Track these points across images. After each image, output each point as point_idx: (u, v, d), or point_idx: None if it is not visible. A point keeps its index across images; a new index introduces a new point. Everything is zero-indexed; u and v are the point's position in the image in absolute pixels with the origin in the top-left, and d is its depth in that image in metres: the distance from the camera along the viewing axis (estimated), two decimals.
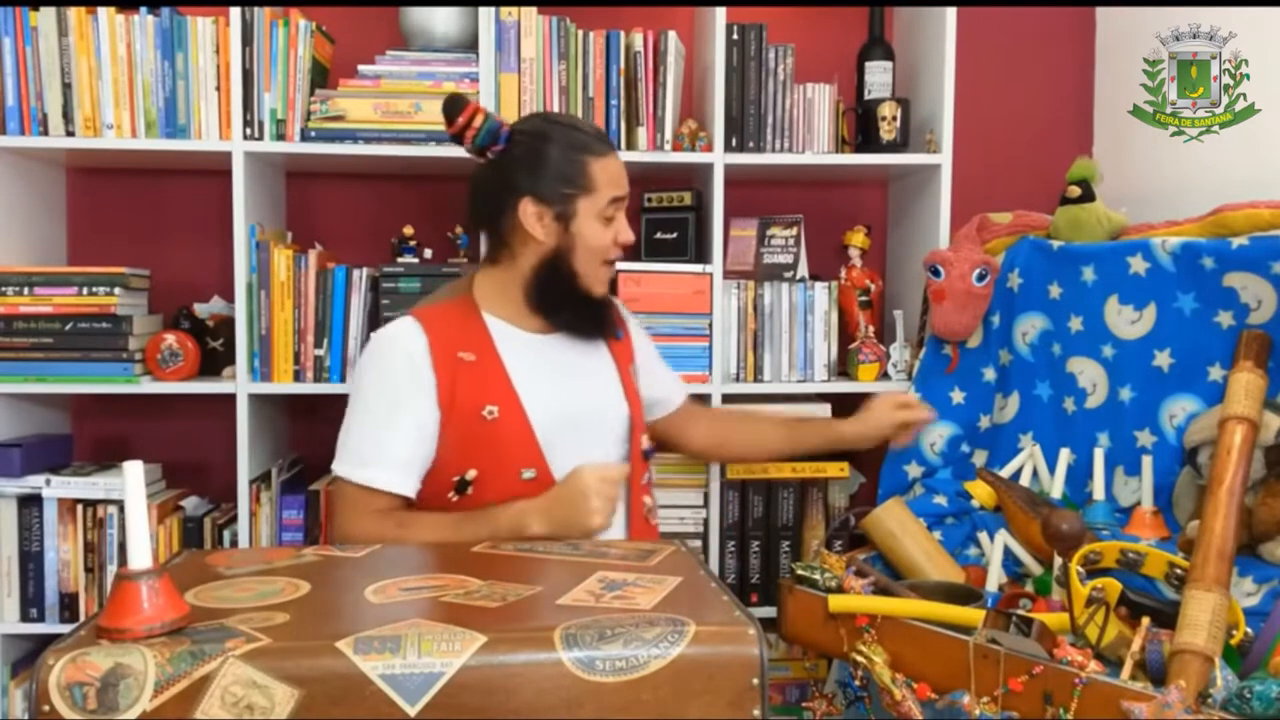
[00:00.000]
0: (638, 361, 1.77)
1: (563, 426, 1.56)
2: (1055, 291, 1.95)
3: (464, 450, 1.52)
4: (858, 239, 2.28)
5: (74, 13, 2.00)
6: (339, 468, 1.53)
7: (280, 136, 2.05)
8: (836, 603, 1.46)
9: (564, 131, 1.58)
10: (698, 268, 2.12)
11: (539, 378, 1.58)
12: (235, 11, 2.01)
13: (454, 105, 1.56)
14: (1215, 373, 1.75)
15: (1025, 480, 1.96)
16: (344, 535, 1.50)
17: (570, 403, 1.59)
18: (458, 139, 1.57)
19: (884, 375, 2.18)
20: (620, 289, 2.08)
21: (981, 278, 1.96)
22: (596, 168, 1.56)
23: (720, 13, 2.09)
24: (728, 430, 1.95)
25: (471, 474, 1.53)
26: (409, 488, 1.52)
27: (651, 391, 1.81)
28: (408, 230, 2.20)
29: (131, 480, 0.97)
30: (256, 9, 2.02)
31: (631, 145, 2.12)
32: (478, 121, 1.55)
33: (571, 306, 1.60)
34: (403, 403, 1.51)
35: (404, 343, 1.53)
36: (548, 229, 1.56)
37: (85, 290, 2.03)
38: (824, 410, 2.19)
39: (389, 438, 1.50)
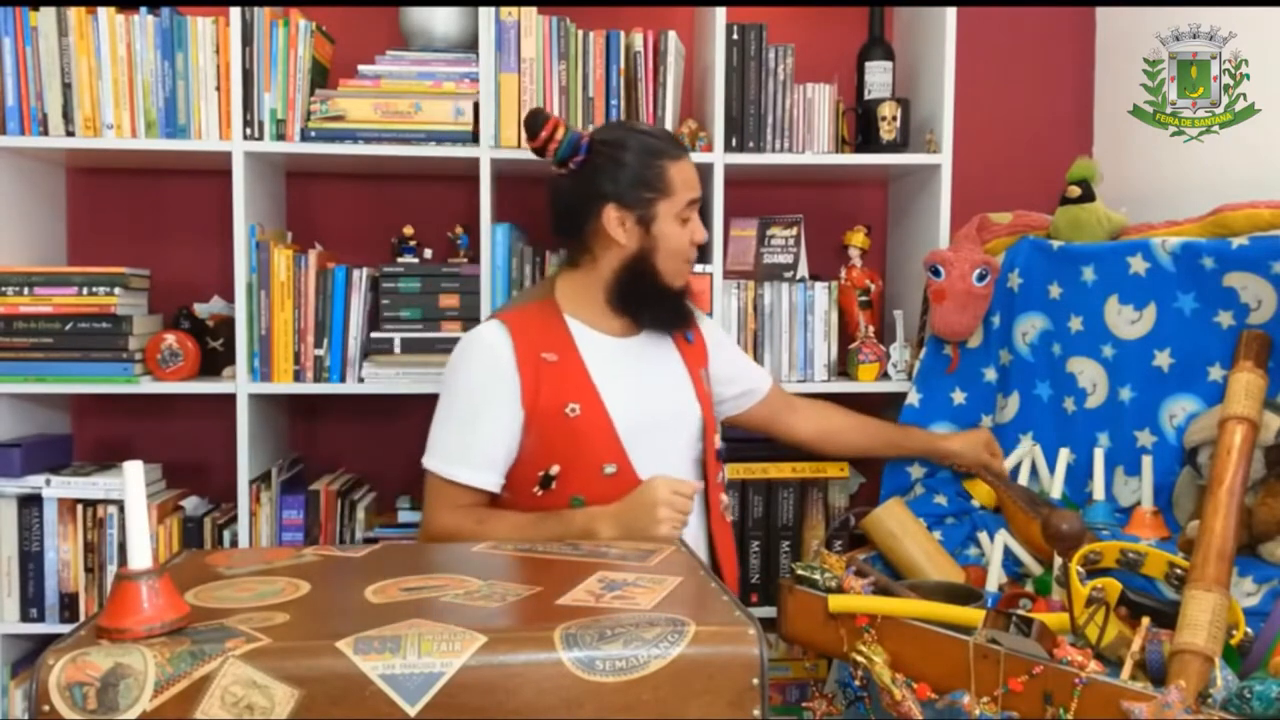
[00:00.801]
0: (719, 358, 1.82)
1: (642, 424, 1.62)
2: (1055, 291, 1.95)
3: (547, 447, 1.58)
4: (858, 239, 2.28)
5: (74, 13, 2.00)
6: (428, 462, 1.60)
7: (280, 136, 2.05)
8: (836, 603, 1.46)
9: (640, 138, 1.64)
10: (698, 268, 2.12)
11: (618, 377, 1.63)
12: (235, 11, 2.01)
13: (536, 120, 1.63)
14: (1215, 373, 1.75)
15: (1025, 480, 1.96)
16: (428, 525, 1.59)
17: (649, 402, 1.64)
18: (540, 152, 1.64)
19: (884, 375, 2.18)
20: None
21: (981, 278, 1.96)
22: (673, 171, 1.62)
23: (720, 13, 2.09)
24: (836, 424, 1.98)
25: (555, 469, 1.59)
26: (493, 483, 1.59)
27: (737, 384, 1.88)
28: (408, 230, 2.20)
29: (131, 480, 0.97)
30: (256, 9, 2.02)
31: None
32: (559, 135, 1.62)
33: (654, 303, 1.66)
34: (488, 404, 1.57)
35: (489, 345, 1.59)
36: (630, 233, 1.62)
37: (85, 290, 2.03)
38: None
39: (474, 437, 1.58)
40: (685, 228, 1.64)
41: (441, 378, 1.66)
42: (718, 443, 1.75)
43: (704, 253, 2.16)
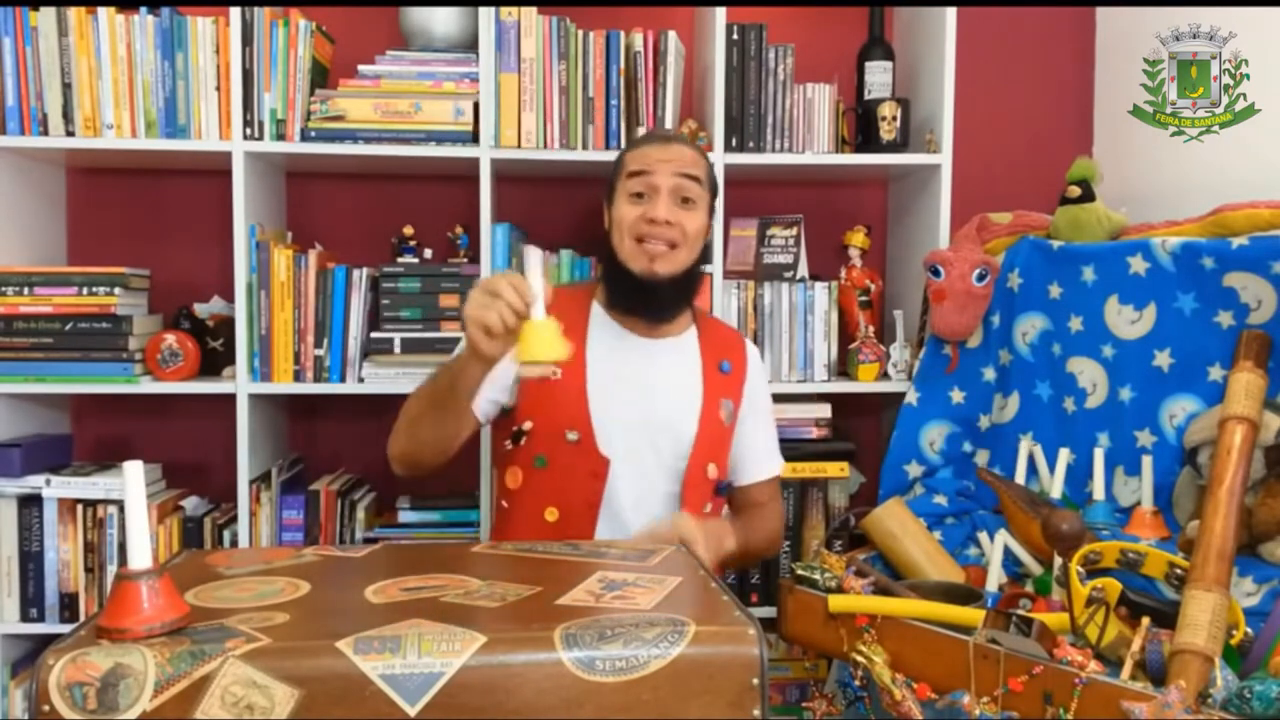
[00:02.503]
0: (747, 415, 1.76)
1: (617, 410, 1.63)
2: (1055, 291, 1.95)
3: (528, 402, 1.64)
4: (858, 239, 2.28)
5: (74, 13, 2.00)
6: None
7: (280, 136, 2.05)
8: (836, 603, 1.46)
9: (636, 138, 1.77)
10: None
11: (615, 362, 1.66)
12: (235, 11, 2.01)
13: None
14: (1215, 373, 1.75)
15: (1024, 480, 1.96)
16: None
17: (636, 395, 1.65)
18: None
19: (884, 375, 2.18)
20: None
21: (981, 278, 1.96)
22: (628, 156, 1.69)
23: (720, 13, 2.09)
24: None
25: (528, 425, 1.64)
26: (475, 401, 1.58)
27: (736, 450, 1.77)
28: (408, 230, 2.20)
29: (131, 480, 0.97)
30: (256, 9, 2.02)
31: None
32: None
33: (615, 281, 1.68)
34: None
35: None
36: (607, 219, 1.71)
37: (85, 290, 2.03)
38: (824, 410, 2.19)
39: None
40: (635, 205, 1.65)
41: None
42: (713, 472, 1.69)
43: (704, 252, 2.16)
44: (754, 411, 1.79)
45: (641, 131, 2.10)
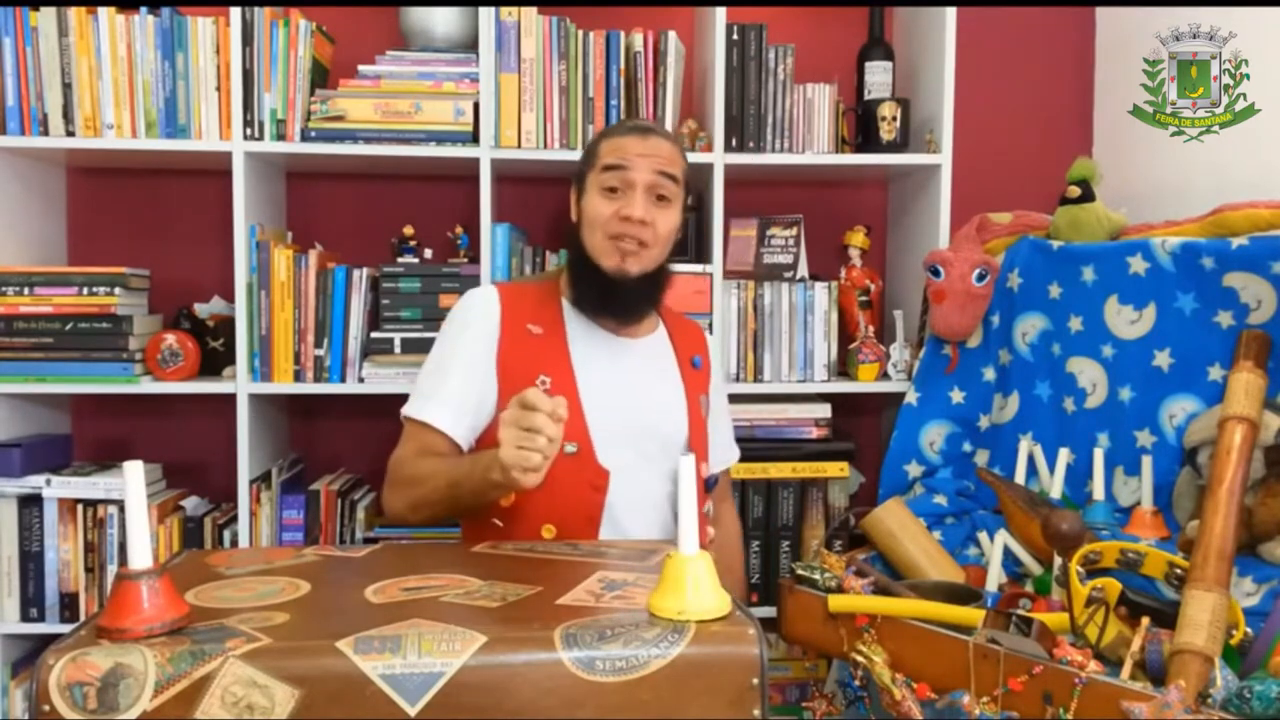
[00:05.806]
0: (710, 400, 1.76)
1: (614, 418, 1.58)
2: (1055, 291, 1.95)
3: None
4: (858, 239, 2.28)
5: (74, 13, 2.00)
6: (404, 409, 1.57)
7: (280, 136, 2.05)
8: (836, 603, 1.46)
9: (611, 126, 1.67)
10: (697, 268, 2.12)
11: (601, 366, 1.60)
12: (235, 11, 2.01)
13: None
14: (1215, 373, 1.75)
15: (1024, 480, 1.96)
16: (390, 463, 1.54)
17: (628, 400, 1.60)
18: None
19: (884, 375, 2.18)
20: None
21: (981, 278, 1.96)
22: (605, 144, 1.61)
23: (720, 13, 2.09)
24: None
25: None
26: (450, 425, 1.53)
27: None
28: (408, 230, 2.20)
29: (131, 480, 0.97)
30: (256, 9, 2.02)
31: None
32: None
33: (583, 280, 1.61)
34: (461, 353, 1.57)
35: (478, 306, 1.61)
36: (575, 209, 1.65)
37: (85, 290, 2.03)
38: (824, 410, 2.19)
39: (443, 381, 1.56)
40: (610, 199, 1.57)
41: None
42: (706, 471, 1.70)
43: (703, 252, 2.17)
44: (716, 400, 1.80)
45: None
